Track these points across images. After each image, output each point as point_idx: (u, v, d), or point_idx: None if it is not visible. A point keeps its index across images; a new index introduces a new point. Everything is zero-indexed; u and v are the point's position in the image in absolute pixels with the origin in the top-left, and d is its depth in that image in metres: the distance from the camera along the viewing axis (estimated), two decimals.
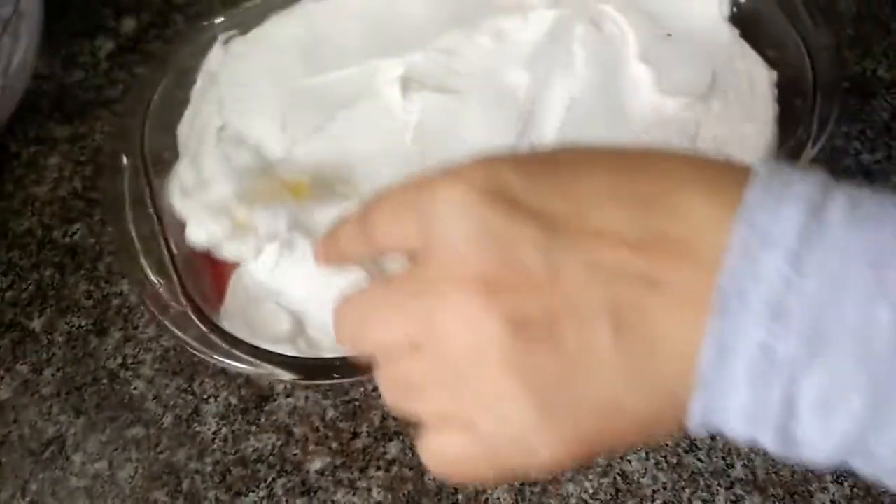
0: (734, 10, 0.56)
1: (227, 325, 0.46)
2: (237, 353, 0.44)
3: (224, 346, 0.44)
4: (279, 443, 0.50)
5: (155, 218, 0.49)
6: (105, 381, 0.53)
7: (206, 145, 0.53)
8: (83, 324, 0.55)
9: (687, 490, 0.47)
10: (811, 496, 0.46)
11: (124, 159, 0.52)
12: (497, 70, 0.55)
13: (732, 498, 0.46)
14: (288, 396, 0.51)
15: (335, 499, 0.48)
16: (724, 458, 0.47)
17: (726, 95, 0.52)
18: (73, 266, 0.57)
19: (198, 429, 0.51)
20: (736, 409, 0.23)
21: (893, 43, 0.60)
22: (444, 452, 0.28)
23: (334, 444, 0.49)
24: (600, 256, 0.24)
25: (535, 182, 0.25)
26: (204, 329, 0.45)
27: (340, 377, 0.44)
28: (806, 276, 0.22)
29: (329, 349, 0.46)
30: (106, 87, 0.65)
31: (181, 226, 0.49)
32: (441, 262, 0.26)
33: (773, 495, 0.46)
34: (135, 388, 0.52)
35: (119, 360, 0.53)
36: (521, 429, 0.25)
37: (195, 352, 0.45)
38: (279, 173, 0.51)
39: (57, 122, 0.64)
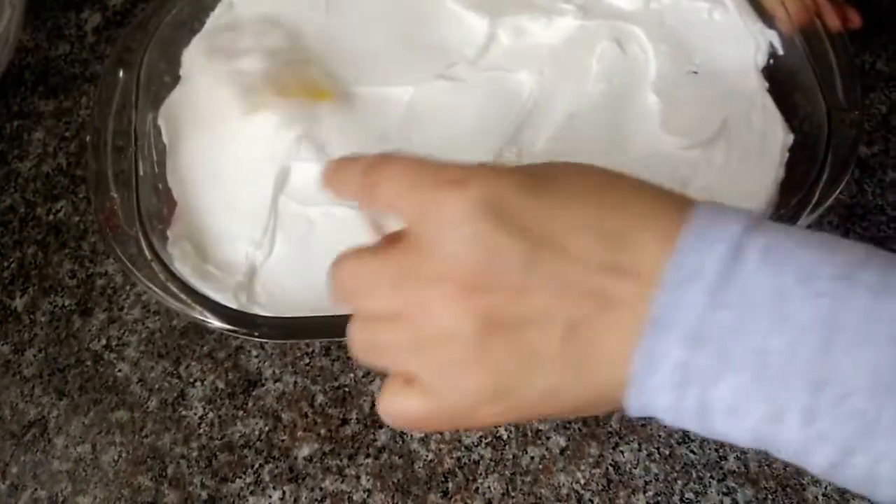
0: (770, 61, 0.53)
1: (176, 252, 0.47)
2: (172, 287, 0.45)
3: (161, 278, 0.45)
4: (267, 428, 0.49)
5: (133, 136, 0.50)
6: (89, 362, 0.52)
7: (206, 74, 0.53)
8: (67, 304, 0.54)
9: (679, 482, 0.46)
10: (803, 489, 0.46)
11: (121, 72, 0.52)
12: (506, 66, 0.53)
13: (725, 490, 0.46)
14: (276, 381, 0.50)
15: (323, 486, 0.47)
16: (716, 451, 0.47)
17: (731, 148, 0.50)
18: (56, 244, 0.56)
19: (183, 413, 0.50)
20: (663, 407, 0.29)
21: (893, 37, 0.60)
22: (402, 410, 0.33)
23: (323, 431, 0.49)
24: (569, 276, 0.29)
25: (530, 203, 0.30)
26: (148, 256, 0.46)
27: (267, 336, 0.45)
28: (720, 309, 0.27)
29: (270, 309, 0.46)
30: (92, 62, 0.63)
31: (158, 153, 0.51)
32: (436, 258, 0.31)
33: (765, 488, 0.46)
34: (119, 371, 0.51)
35: (103, 342, 0.52)
36: (475, 401, 0.31)
37: (133, 278, 0.46)
38: (309, 72, 0.52)
39: (41, 96, 0.62)
